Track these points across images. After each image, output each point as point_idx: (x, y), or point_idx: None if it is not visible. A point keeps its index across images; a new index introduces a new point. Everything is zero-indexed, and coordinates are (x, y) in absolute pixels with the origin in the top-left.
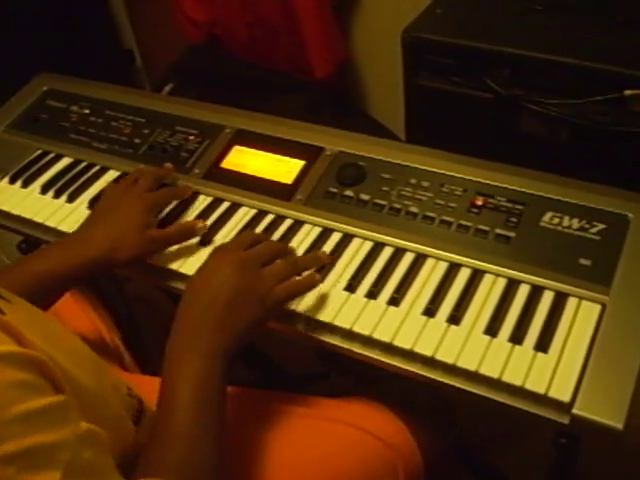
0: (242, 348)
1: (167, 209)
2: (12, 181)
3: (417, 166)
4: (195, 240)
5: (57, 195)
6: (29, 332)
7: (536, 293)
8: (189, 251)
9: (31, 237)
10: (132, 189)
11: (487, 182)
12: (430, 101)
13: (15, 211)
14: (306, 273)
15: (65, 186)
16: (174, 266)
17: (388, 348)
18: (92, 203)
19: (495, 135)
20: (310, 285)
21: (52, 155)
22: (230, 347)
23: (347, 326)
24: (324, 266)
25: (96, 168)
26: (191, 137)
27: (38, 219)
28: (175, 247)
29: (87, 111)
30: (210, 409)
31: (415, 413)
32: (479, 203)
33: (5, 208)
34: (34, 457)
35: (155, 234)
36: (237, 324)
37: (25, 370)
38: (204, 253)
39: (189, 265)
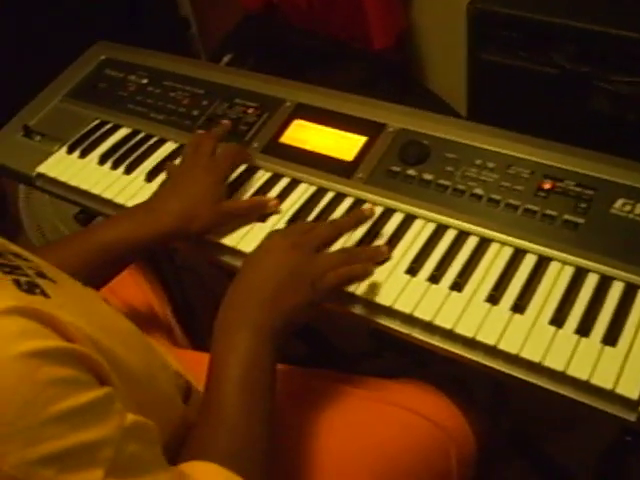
0: (294, 330)
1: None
2: (70, 151)
3: (483, 146)
4: (254, 217)
5: (115, 166)
6: (73, 315)
7: (605, 283)
8: (245, 227)
9: (88, 208)
10: (200, 159)
11: (556, 165)
12: (494, 76)
13: (73, 182)
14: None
15: (123, 157)
16: (227, 241)
17: (449, 335)
18: (150, 175)
19: (561, 113)
20: (363, 275)
21: (110, 125)
22: (279, 326)
23: (408, 310)
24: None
25: (154, 139)
26: (250, 110)
27: (95, 191)
28: (236, 223)
29: (145, 81)
30: (260, 388)
31: (470, 396)
32: (547, 187)
33: (63, 179)
34: (75, 457)
35: (227, 206)
36: (287, 304)
37: (66, 365)
38: (260, 230)
39: (244, 242)
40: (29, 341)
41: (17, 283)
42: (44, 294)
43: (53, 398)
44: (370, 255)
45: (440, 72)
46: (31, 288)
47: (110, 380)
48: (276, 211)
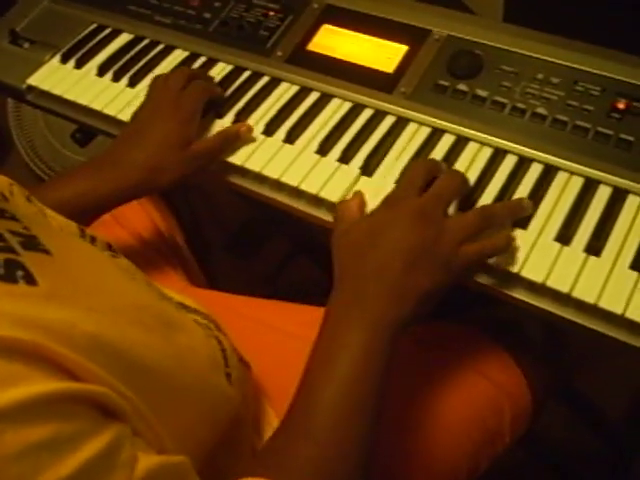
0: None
1: (244, 99)
2: (64, 60)
3: (545, 58)
4: (279, 137)
5: (116, 78)
6: (68, 303)
7: None
8: (268, 149)
9: (87, 126)
10: (165, 96)
11: (632, 81)
12: None
13: (68, 96)
14: None
15: (125, 67)
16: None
17: (513, 278)
18: None
19: (618, 18)
20: (507, 247)
21: (109, 30)
22: (403, 319)
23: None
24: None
25: (160, 46)
26: (271, 12)
27: (95, 106)
28: (251, 142)
29: None
30: (368, 397)
31: (525, 345)
32: (621, 106)
33: (57, 92)
34: None
35: (196, 149)
36: (415, 291)
37: (48, 419)
38: (288, 150)
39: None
40: None
41: None
42: (29, 280)
43: (20, 477)
44: (511, 212)
45: None
46: (11, 272)
47: (119, 407)
48: (248, 134)
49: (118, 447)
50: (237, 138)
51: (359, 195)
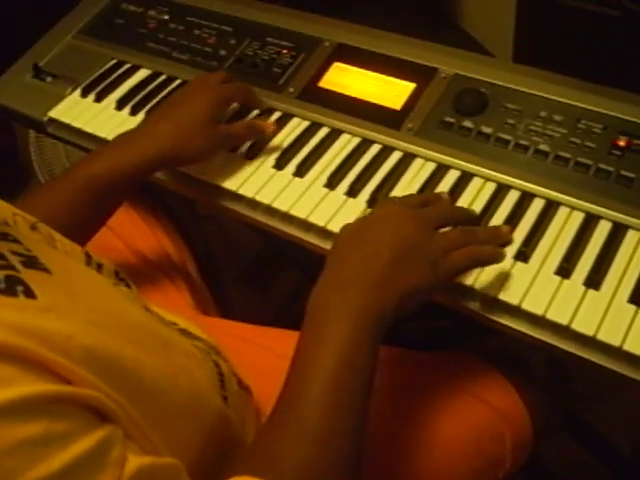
0: (398, 321)
1: None
2: (84, 94)
3: (549, 96)
4: (289, 170)
5: (134, 112)
6: (66, 317)
7: None
8: (279, 182)
9: None
10: (202, 82)
11: (632, 120)
12: (547, 17)
13: (88, 128)
14: None
15: (143, 102)
16: (257, 196)
17: (513, 311)
18: None
19: (622, 59)
20: (494, 258)
21: (128, 66)
22: (388, 312)
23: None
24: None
25: (177, 82)
26: (284, 50)
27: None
28: (262, 175)
29: (166, 17)
30: (352, 394)
31: (526, 374)
32: (622, 144)
33: (77, 125)
34: None
35: (223, 129)
36: (400, 286)
37: (39, 417)
38: (297, 183)
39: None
40: None
41: None
42: (28, 293)
43: (14, 470)
44: (492, 236)
45: (479, 12)
46: (11, 286)
47: (111, 410)
48: (271, 135)
49: (109, 447)
50: (261, 133)
51: None
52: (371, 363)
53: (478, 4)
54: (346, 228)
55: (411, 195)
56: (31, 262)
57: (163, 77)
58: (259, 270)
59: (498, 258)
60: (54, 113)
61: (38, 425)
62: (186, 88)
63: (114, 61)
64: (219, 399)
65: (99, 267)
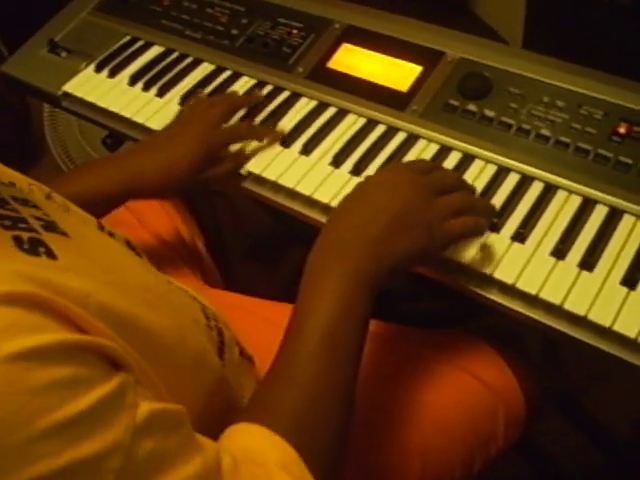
0: (390, 285)
1: (265, 112)
2: (98, 69)
3: (551, 82)
4: (296, 149)
5: (146, 87)
6: (84, 277)
7: None
8: (285, 159)
9: (117, 132)
10: (202, 123)
11: (633, 107)
12: (557, 5)
13: (101, 103)
14: None
15: (155, 78)
16: (264, 172)
17: (508, 290)
18: (184, 99)
19: (630, 48)
20: (483, 231)
21: (142, 42)
22: (382, 273)
23: (465, 261)
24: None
25: (189, 59)
26: (295, 31)
27: (125, 113)
28: (269, 152)
29: None
30: (345, 348)
31: (520, 352)
32: (622, 131)
33: (90, 99)
34: (75, 475)
35: (204, 177)
36: (395, 249)
37: (64, 363)
38: (303, 161)
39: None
40: (17, 339)
41: (18, 241)
42: (49, 254)
43: (45, 408)
44: (488, 209)
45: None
46: (34, 247)
47: (125, 360)
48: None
49: (124, 392)
50: (240, 137)
51: None
52: (364, 320)
53: None
54: (353, 190)
55: (419, 160)
56: (51, 226)
57: (176, 54)
58: (266, 247)
59: (484, 229)
60: (68, 87)
61: (66, 369)
62: (186, 124)
63: (128, 37)
64: (219, 363)
65: (110, 235)
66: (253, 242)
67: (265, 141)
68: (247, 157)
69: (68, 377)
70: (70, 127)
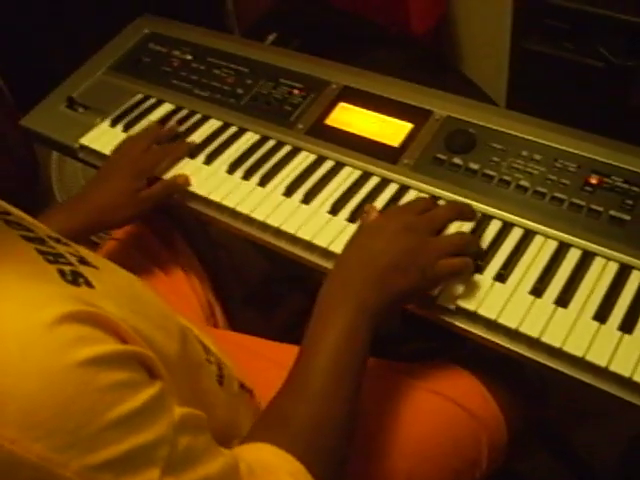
0: (389, 317)
1: (268, 165)
2: (113, 124)
3: (530, 138)
4: (297, 198)
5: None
6: (117, 304)
7: None
8: (287, 208)
9: None
10: (125, 155)
11: (603, 160)
12: (537, 66)
13: None
14: None
15: None
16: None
17: (492, 325)
18: (193, 152)
19: (604, 107)
20: (471, 269)
21: (153, 100)
22: (381, 308)
23: (451, 306)
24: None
25: (197, 116)
26: (295, 90)
27: None
28: (272, 201)
29: (189, 57)
30: (352, 368)
31: (503, 383)
32: (594, 182)
33: (106, 152)
34: (132, 460)
35: (144, 195)
36: (392, 287)
37: (121, 368)
38: (304, 209)
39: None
40: (85, 348)
41: (62, 273)
42: (88, 284)
43: (111, 404)
44: (476, 249)
45: (478, 59)
46: (75, 278)
47: (160, 373)
48: (185, 184)
49: (163, 395)
50: (176, 186)
51: (376, 210)
52: (366, 345)
53: (477, 51)
54: (355, 235)
55: (416, 200)
56: (83, 260)
57: (185, 111)
58: (265, 293)
59: (471, 268)
60: (85, 140)
61: (123, 373)
62: (111, 161)
63: (140, 95)
64: (221, 391)
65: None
66: (251, 289)
67: (180, 153)
68: (173, 183)
69: (126, 380)
70: (76, 177)
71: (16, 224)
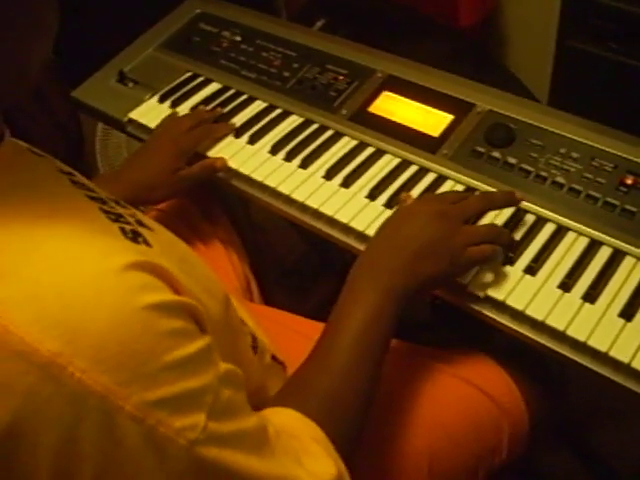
0: (418, 302)
1: (311, 148)
2: (161, 100)
3: (569, 135)
4: (337, 181)
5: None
6: (170, 263)
7: None
8: (327, 191)
9: None
10: (169, 133)
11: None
12: (581, 65)
13: None
14: None
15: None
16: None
17: (519, 316)
18: (239, 131)
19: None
20: (499, 256)
21: (201, 79)
22: (407, 293)
23: (481, 294)
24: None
25: (244, 97)
26: (341, 77)
27: None
28: (313, 182)
29: (238, 38)
30: (375, 346)
31: (528, 374)
32: (629, 182)
33: (153, 126)
34: (183, 401)
35: (182, 175)
36: (421, 273)
37: (179, 317)
38: (343, 193)
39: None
40: (149, 294)
41: (123, 231)
42: (146, 243)
43: (169, 348)
44: (507, 239)
45: (523, 55)
46: (135, 237)
47: (207, 329)
48: (223, 167)
49: (210, 349)
50: (214, 169)
51: (411, 198)
52: (390, 327)
53: (522, 47)
54: (389, 219)
55: (449, 192)
56: (139, 222)
57: (232, 91)
58: (299, 274)
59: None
60: (134, 115)
61: (180, 322)
62: (153, 138)
63: (189, 74)
64: (255, 359)
65: None
66: (287, 271)
67: (221, 134)
68: (210, 164)
69: (181, 328)
70: (120, 150)
71: (80, 184)
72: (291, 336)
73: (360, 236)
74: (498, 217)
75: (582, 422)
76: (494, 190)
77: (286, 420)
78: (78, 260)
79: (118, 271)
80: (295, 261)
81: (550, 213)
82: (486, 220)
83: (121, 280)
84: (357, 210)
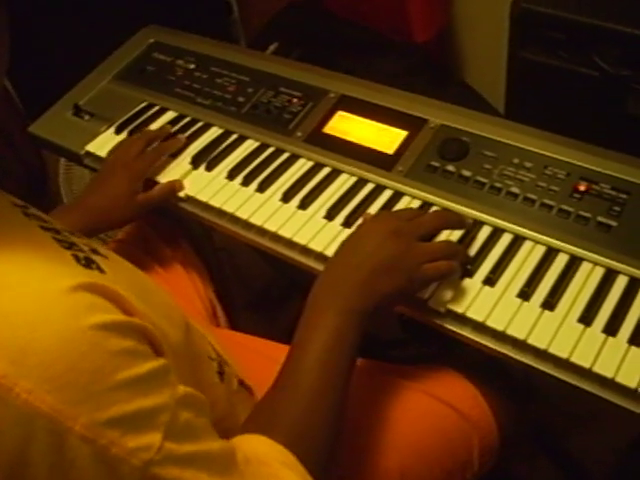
0: (379, 319)
1: (267, 171)
2: (118, 131)
3: (521, 146)
4: (294, 204)
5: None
6: (126, 290)
7: (634, 285)
8: (284, 213)
9: None
10: (123, 157)
11: (592, 168)
12: (534, 76)
13: None
14: None
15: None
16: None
17: (480, 328)
18: (195, 159)
19: (599, 116)
20: (457, 274)
21: (157, 108)
22: (366, 310)
23: (441, 309)
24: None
25: (199, 124)
26: (294, 99)
27: None
28: (270, 206)
29: (192, 66)
30: (339, 369)
31: (495, 386)
32: (582, 189)
33: None
34: (137, 420)
35: (141, 199)
36: (379, 290)
37: (129, 337)
38: (300, 215)
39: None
40: (97, 315)
41: (76, 258)
42: (100, 269)
43: (119, 367)
44: (461, 255)
45: (479, 68)
46: (88, 263)
47: (164, 352)
48: (182, 189)
49: (166, 371)
50: (173, 191)
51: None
52: (353, 345)
53: (478, 60)
54: (345, 240)
55: (403, 209)
56: (94, 250)
57: (188, 119)
58: (267, 298)
59: (457, 272)
60: (91, 147)
61: (131, 342)
62: (106, 165)
63: (145, 103)
64: (221, 385)
65: None
66: (254, 295)
67: (173, 149)
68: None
69: (132, 347)
70: (83, 182)
71: (34, 215)
72: (260, 360)
73: (319, 257)
74: (454, 233)
75: (557, 427)
76: (451, 204)
77: (255, 446)
78: (24, 281)
79: (65, 291)
80: (264, 284)
81: (506, 223)
82: (442, 236)
83: (68, 300)
84: (315, 231)
